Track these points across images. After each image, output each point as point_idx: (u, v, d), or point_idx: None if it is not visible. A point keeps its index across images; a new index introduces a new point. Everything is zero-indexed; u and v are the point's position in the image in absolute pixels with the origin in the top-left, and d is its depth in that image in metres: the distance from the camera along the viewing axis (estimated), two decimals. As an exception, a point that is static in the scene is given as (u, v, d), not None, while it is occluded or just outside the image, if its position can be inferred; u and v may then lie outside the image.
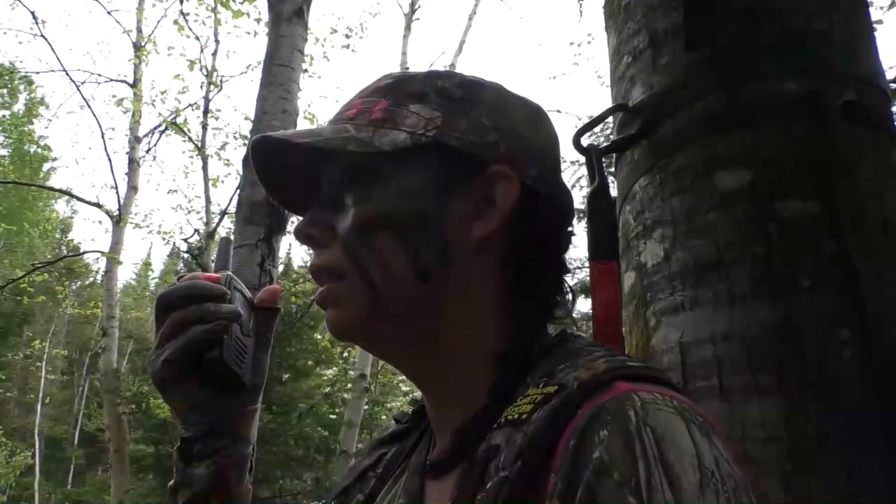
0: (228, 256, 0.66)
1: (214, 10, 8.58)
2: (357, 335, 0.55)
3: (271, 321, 0.63)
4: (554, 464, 0.38)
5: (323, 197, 0.55)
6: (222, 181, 9.44)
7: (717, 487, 0.35)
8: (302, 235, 0.54)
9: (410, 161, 0.51)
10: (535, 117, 0.57)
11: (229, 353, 0.57)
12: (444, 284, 0.51)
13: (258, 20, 7.48)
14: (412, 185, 0.51)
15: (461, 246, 0.51)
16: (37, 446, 18.52)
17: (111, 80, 9.39)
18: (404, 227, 0.51)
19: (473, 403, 0.49)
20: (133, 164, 9.01)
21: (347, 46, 9.72)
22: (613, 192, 0.81)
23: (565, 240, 0.57)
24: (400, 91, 0.54)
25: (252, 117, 3.51)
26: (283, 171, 0.57)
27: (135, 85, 9.29)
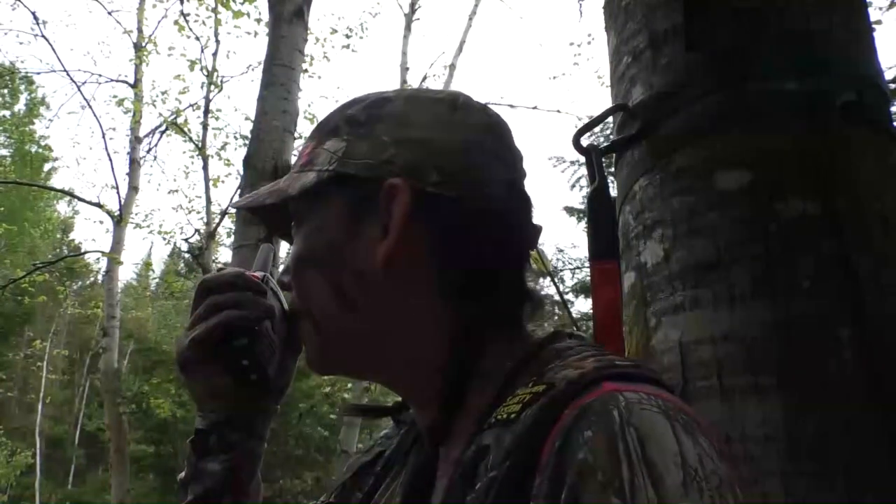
0: (268, 263, 0.67)
1: (215, 10, 8.57)
2: (322, 368, 0.57)
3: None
4: (540, 464, 0.38)
5: None
6: (223, 181, 9.42)
7: (700, 485, 0.35)
8: (280, 284, 0.59)
9: (322, 199, 0.53)
10: (447, 115, 0.54)
11: (259, 345, 0.57)
12: (373, 310, 0.52)
13: (258, 20, 7.47)
14: (323, 221, 0.53)
15: (374, 270, 0.51)
16: (37, 446, 18.53)
17: (112, 80, 9.37)
18: (320, 263, 0.53)
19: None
20: (134, 164, 8.99)
21: (347, 46, 9.70)
22: (613, 192, 0.81)
23: (511, 234, 0.54)
24: (323, 130, 0.56)
25: (252, 117, 3.51)
26: (286, 226, 0.60)
27: (135, 85, 9.27)
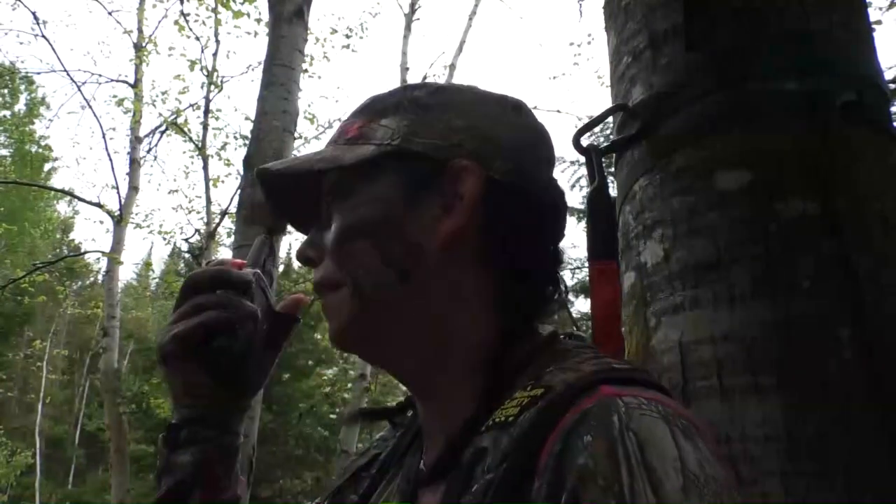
0: (262, 255, 0.67)
1: (215, 10, 8.57)
2: (353, 341, 0.56)
3: (288, 329, 0.63)
4: (539, 467, 0.38)
5: (320, 219, 0.57)
6: (223, 181, 9.43)
7: (700, 490, 0.35)
8: (301, 257, 0.58)
9: (379, 171, 0.53)
10: (509, 114, 0.58)
11: (239, 345, 0.58)
12: (424, 285, 0.52)
13: (258, 20, 7.46)
14: (380, 192, 0.53)
15: (433, 245, 0.52)
16: (37, 446, 18.53)
17: (112, 80, 9.38)
18: (376, 233, 0.53)
19: (462, 408, 0.49)
20: (134, 164, 8.99)
21: (347, 46, 9.70)
22: (613, 192, 0.81)
23: (551, 233, 0.58)
24: (374, 108, 0.57)
25: (252, 117, 3.51)
26: (297, 202, 0.60)
27: (135, 85, 9.27)
